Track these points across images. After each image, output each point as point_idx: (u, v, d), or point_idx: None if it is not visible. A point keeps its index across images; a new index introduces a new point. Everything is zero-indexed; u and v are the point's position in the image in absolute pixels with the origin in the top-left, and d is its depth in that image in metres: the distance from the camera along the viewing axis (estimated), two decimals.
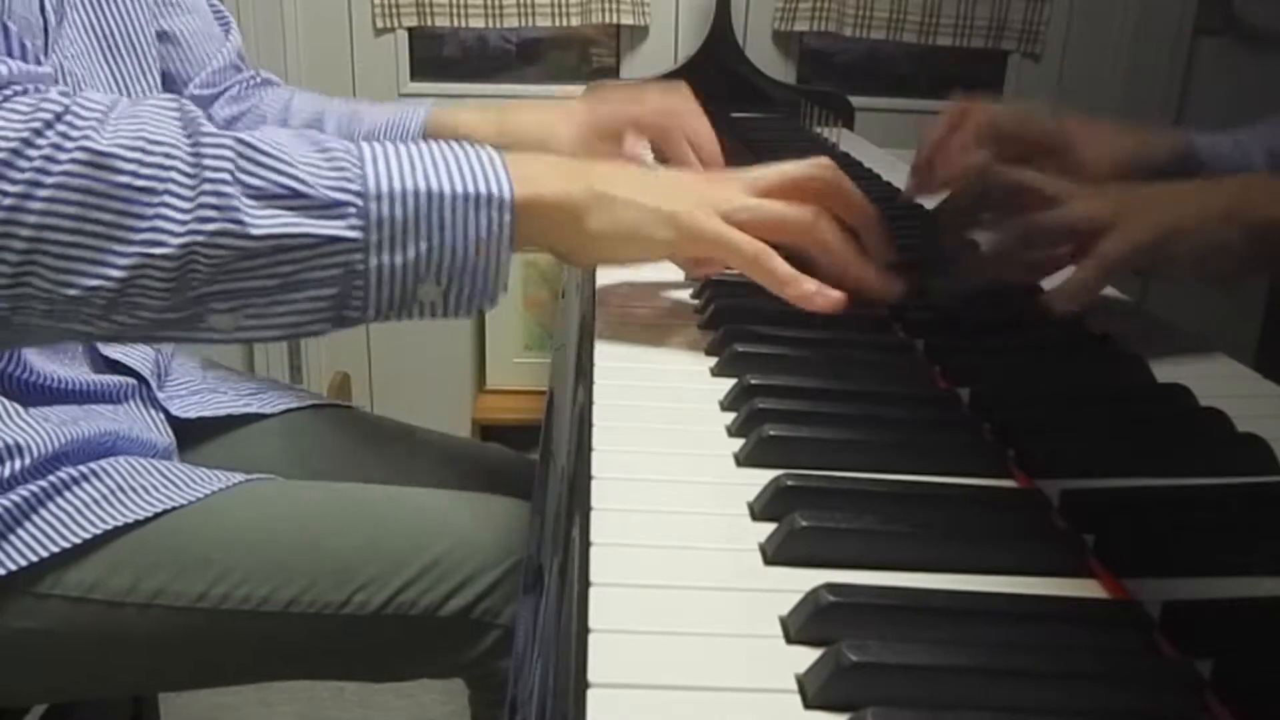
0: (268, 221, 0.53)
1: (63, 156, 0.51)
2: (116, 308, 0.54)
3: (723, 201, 0.62)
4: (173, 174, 0.53)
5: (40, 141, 0.51)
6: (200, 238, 0.53)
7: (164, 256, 0.53)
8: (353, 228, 0.54)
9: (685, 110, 0.92)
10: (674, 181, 0.65)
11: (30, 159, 0.51)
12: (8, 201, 0.51)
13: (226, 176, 0.53)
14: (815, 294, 0.62)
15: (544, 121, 0.93)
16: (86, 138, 0.52)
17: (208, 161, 0.53)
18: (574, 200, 0.59)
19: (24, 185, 0.51)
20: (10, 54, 0.60)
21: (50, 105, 0.52)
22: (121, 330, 0.56)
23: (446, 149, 0.58)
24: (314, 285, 0.55)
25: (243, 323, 0.56)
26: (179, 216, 0.52)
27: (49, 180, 0.51)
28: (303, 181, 0.54)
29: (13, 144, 0.51)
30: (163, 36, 0.93)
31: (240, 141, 0.54)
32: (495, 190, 0.56)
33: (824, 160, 0.66)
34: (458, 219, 0.56)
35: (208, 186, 0.53)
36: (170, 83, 0.95)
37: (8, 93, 0.53)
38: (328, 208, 0.54)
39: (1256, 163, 0.94)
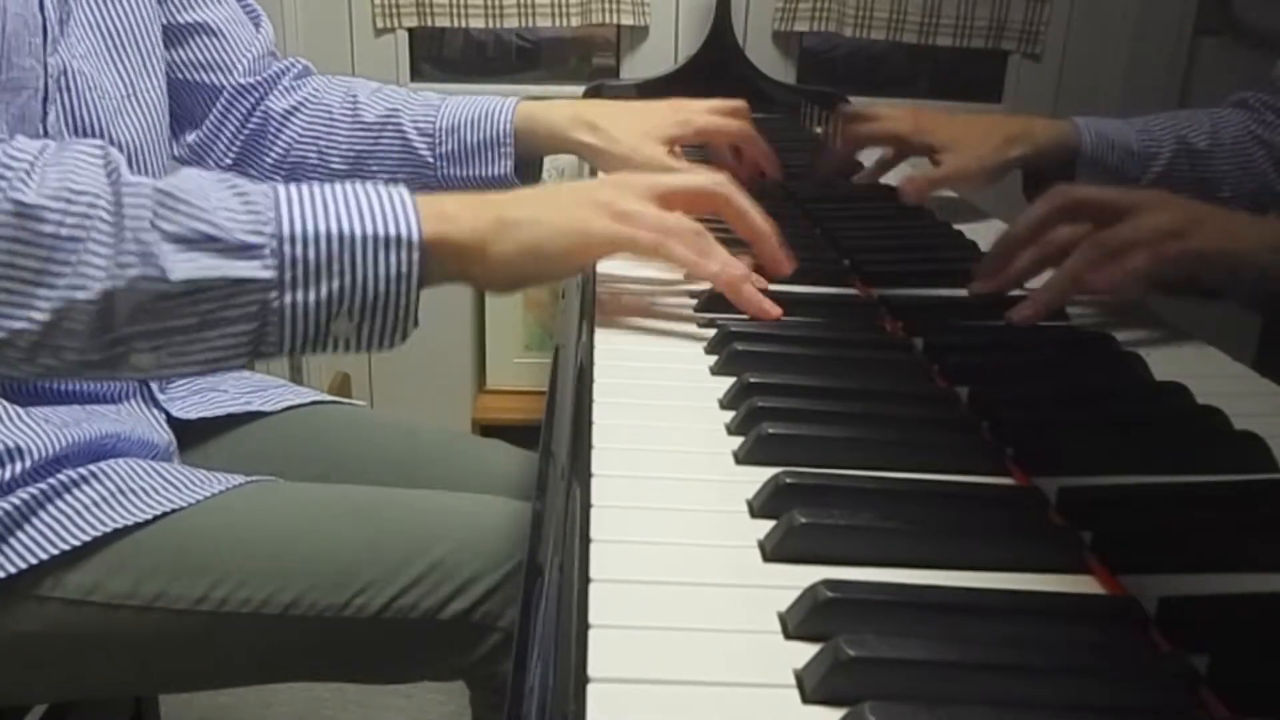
0: (186, 265, 0.56)
1: None
2: (41, 350, 0.57)
3: (617, 203, 0.66)
4: (96, 222, 0.56)
5: None
6: (121, 283, 0.55)
7: (86, 301, 0.55)
8: (267, 267, 0.57)
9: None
10: (574, 193, 0.68)
11: None
12: None
13: (145, 224, 0.56)
14: (720, 271, 0.68)
15: (611, 112, 0.97)
16: (14, 189, 0.55)
17: (128, 210, 0.56)
18: (479, 232, 0.62)
19: None
20: None
21: None
22: (47, 372, 0.59)
23: (360, 191, 0.60)
24: (231, 323, 0.58)
25: (165, 360, 0.58)
26: (100, 263, 0.55)
27: None
28: (217, 226, 0.57)
29: None
30: (199, 28, 0.93)
31: (158, 190, 0.57)
32: (404, 232, 0.59)
33: (721, 178, 0.72)
34: (368, 259, 0.59)
35: (129, 234, 0.56)
36: (208, 69, 0.95)
37: None
38: (242, 250, 0.57)
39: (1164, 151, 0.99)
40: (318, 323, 0.59)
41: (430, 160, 0.98)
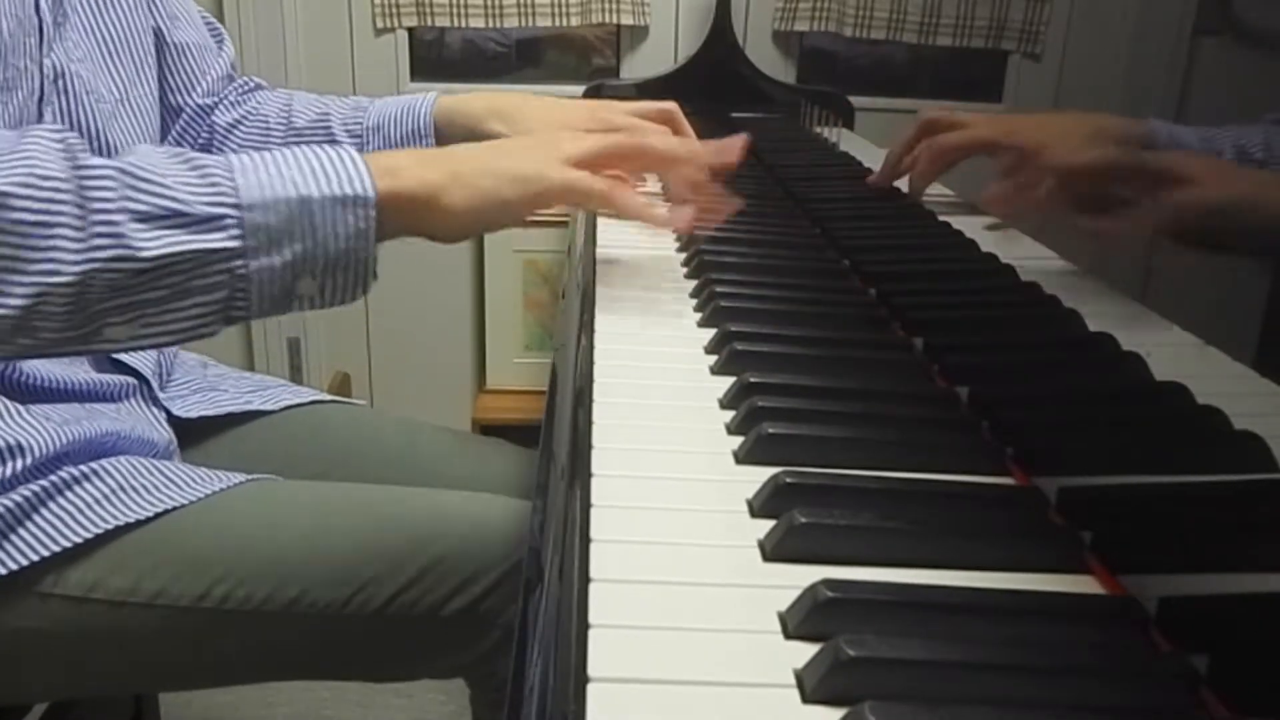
0: (155, 243, 0.57)
1: None
2: (19, 332, 0.57)
3: (569, 150, 0.69)
4: (63, 207, 0.56)
5: None
6: (96, 264, 0.56)
7: (62, 284, 0.56)
8: (233, 237, 0.58)
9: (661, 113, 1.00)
10: (524, 143, 0.72)
11: None
12: None
13: (112, 205, 0.56)
14: (668, 216, 0.73)
15: (524, 105, 0.96)
16: None
17: (94, 193, 0.56)
18: (431, 184, 0.63)
19: None
20: None
21: None
22: (23, 350, 0.59)
23: (310, 154, 0.61)
24: (201, 292, 0.59)
25: (137, 332, 0.59)
26: (72, 246, 0.56)
27: None
28: (181, 200, 0.57)
29: None
30: (173, 48, 0.94)
31: (121, 170, 0.57)
32: (359, 189, 0.60)
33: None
34: (327, 220, 0.60)
35: (98, 216, 0.56)
36: (174, 91, 0.96)
37: None
38: (207, 222, 0.58)
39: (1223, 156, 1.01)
40: (284, 285, 0.60)
41: None
